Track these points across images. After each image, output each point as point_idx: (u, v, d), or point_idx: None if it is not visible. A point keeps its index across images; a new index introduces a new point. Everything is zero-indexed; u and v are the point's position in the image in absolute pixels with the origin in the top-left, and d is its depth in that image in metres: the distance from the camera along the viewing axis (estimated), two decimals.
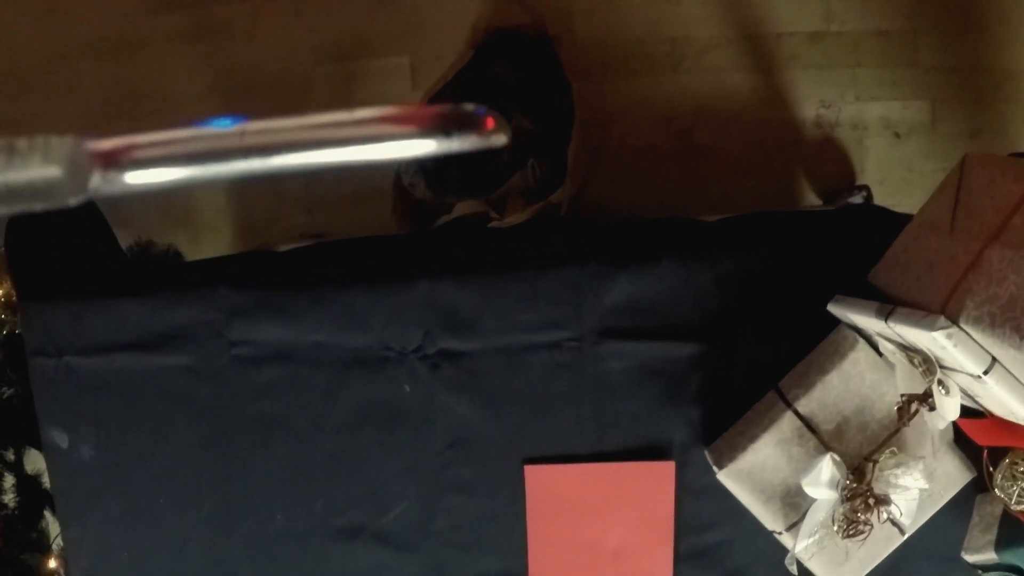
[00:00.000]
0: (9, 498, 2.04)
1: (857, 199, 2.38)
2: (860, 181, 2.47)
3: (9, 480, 2.07)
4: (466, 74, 2.15)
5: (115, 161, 0.51)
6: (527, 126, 2.12)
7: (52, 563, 2.01)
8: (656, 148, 2.50)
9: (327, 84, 2.54)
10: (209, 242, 2.58)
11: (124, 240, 1.99)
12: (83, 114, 2.60)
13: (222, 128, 0.52)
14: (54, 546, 2.06)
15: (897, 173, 2.48)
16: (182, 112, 2.56)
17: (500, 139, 0.54)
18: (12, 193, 0.50)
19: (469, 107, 0.54)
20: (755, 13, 2.45)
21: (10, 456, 2.08)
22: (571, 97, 2.15)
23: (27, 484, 2.10)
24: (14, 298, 1.87)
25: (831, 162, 2.48)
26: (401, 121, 0.53)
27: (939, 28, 2.44)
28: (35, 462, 2.11)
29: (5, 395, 1.92)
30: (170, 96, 2.60)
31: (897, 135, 2.47)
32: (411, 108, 0.54)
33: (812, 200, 2.49)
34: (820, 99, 2.46)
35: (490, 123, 0.54)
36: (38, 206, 0.51)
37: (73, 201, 0.51)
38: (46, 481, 2.10)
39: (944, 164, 2.45)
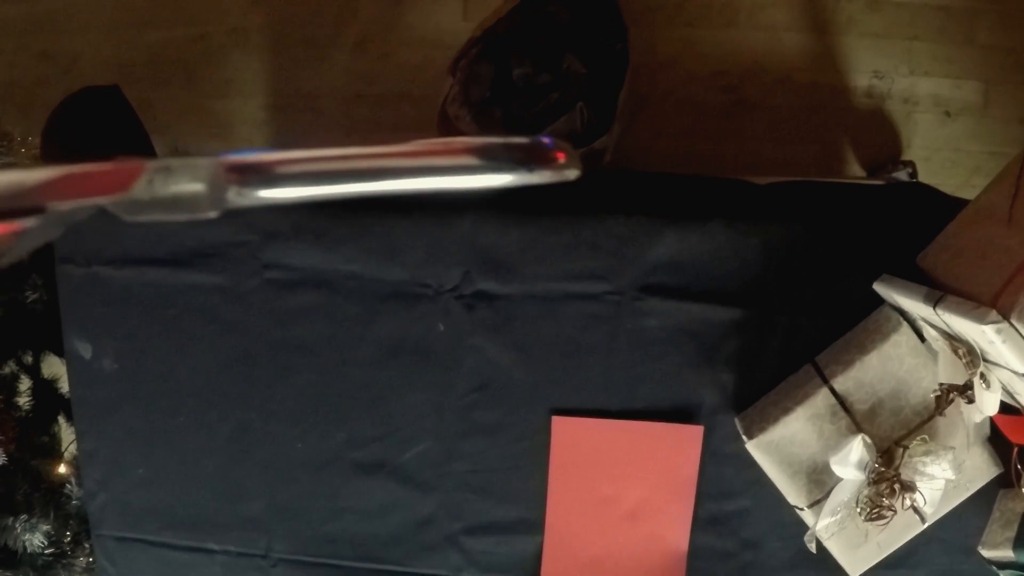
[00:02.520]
0: (24, 401, 2.03)
1: (901, 174, 2.35)
2: (906, 156, 2.43)
3: (25, 383, 2.06)
4: (520, 11, 2.10)
5: (247, 180, 0.59)
6: (579, 69, 2.08)
7: (62, 469, 2.00)
8: (702, 101, 2.46)
9: (375, 6, 2.49)
10: None
11: (159, 149, 1.96)
12: (124, 17, 2.56)
13: (338, 151, 0.60)
14: (66, 453, 2.06)
15: (944, 152, 2.44)
16: (224, 20, 2.52)
17: (573, 173, 0.62)
18: (160, 204, 0.58)
19: (544, 141, 0.61)
20: None
21: (28, 359, 2.07)
22: (626, 43, 2.11)
23: (43, 388, 2.09)
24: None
25: (878, 134, 2.44)
26: (488, 155, 0.59)
27: (999, 8, 2.38)
28: (52, 367, 2.10)
29: (29, 299, 1.90)
30: (213, 2, 2.55)
31: (947, 113, 2.43)
32: (496, 140, 0.60)
33: (855, 170, 2.46)
34: (874, 69, 2.41)
35: (560, 156, 0.61)
36: (181, 217, 0.59)
37: (212, 214, 0.58)
38: (62, 386, 2.09)
39: (992, 148, 2.41)
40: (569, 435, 1.63)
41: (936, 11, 2.39)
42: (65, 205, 0.57)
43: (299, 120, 2.58)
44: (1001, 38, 2.39)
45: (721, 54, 2.44)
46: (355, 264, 1.62)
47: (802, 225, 1.57)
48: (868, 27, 2.40)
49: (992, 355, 1.31)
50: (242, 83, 2.56)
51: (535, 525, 1.68)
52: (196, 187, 0.58)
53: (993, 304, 1.26)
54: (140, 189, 0.58)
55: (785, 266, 1.57)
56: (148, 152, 1.86)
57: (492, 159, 0.59)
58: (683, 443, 1.62)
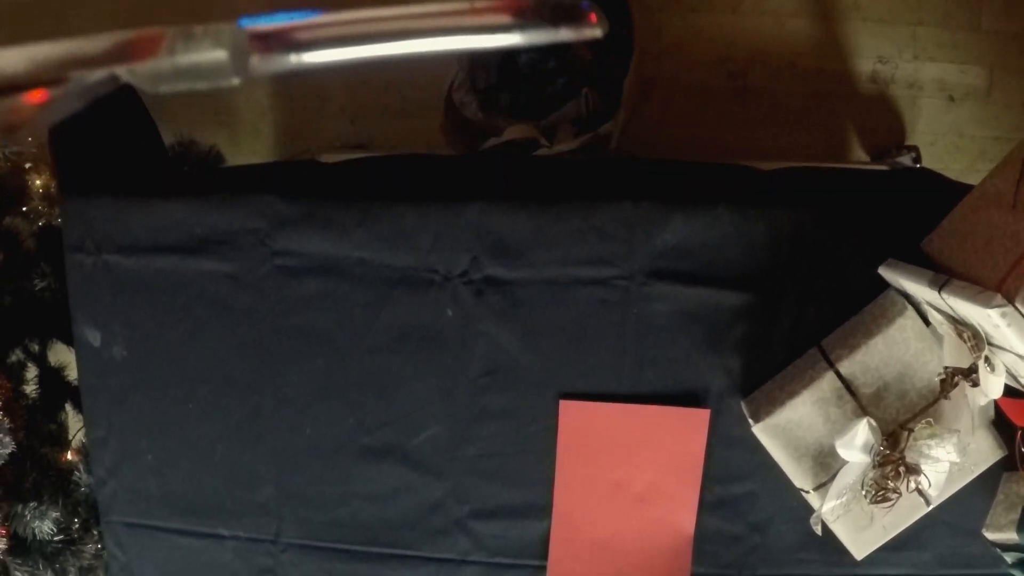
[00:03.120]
0: (31, 389, 2.04)
1: (905, 159, 2.35)
2: (910, 141, 2.44)
3: (32, 372, 2.06)
4: None
5: (271, 46, 0.58)
6: (585, 55, 2.09)
7: (69, 456, 2.01)
8: (707, 87, 2.46)
9: None
10: (249, 145, 2.56)
11: (166, 138, 1.97)
12: (129, 6, 2.55)
13: (362, 13, 0.59)
14: (73, 441, 2.06)
15: (948, 137, 2.45)
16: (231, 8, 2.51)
17: (599, 31, 0.60)
18: (181, 73, 0.57)
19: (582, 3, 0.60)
20: None
21: (34, 347, 2.08)
22: (631, 28, 2.11)
23: (49, 376, 2.09)
24: (52, 189, 1.85)
25: (882, 119, 2.45)
26: (518, 11, 0.58)
27: None
28: (58, 355, 2.10)
29: (37, 287, 1.90)
30: None
31: (952, 98, 2.43)
32: None
33: (859, 155, 2.46)
34: (878, 54, 2.42)
35: (592, 17, 0.60)
36: (203, 85, 0.58)
37: (236, 81, 0.58)
38: (69, 374, 2.10)
39: (996, 132, 2.42)
40: (577, 419, 1.64)
41: None
42: (87, 76, 0.58)
43: (305, 107, 2.58)
44: (1006, 23, 2.39)
45: (726, 40, 2.44)
46: (364, 250, 1.62)
47: (808, 210, 1.57)
48: (873, 12, 2.41)
49: (997, 339, 1.32)
50: None
51: (543, 509, 1.69)
52: (218, 54, 0.57)
53: (998, 288, 1.27)
54: (161, 57, 0.58)
55: (791, 251, 1.57)
56: (156, 141, 1.87)
57: (522, 16, 0.59)
58: (690, 427, 1.63)
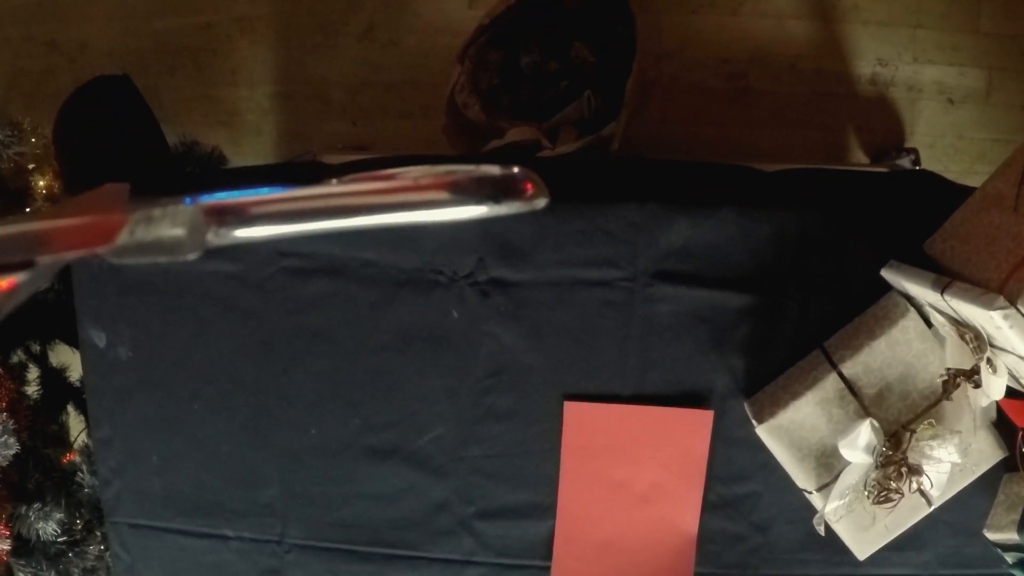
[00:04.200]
0: (33, 390, 2.04)
1: (905, 161, 2.36)
2: (909, 143, 2.44)
3: (34, 372, 2.06)
4: None
5: (226, 221, 0.62)
6: (587, 57, 2.09)
7: (71, 458, 2.01)
8: (708, 88, 2.47)
9: None
10: (251, 145, 2.56)
11: (168, 139, 1.97)
12: (131, 6, 2.56)
13: (311, 190, 0.62)
14: (76, 442, 2.06)
15: (947, 139, 2.45)
16: (231, 8, 2.52)
17: (541, 202, 0.64)
18: (143, 248, 0.60)
19: (514, 171, 0.63)
20: None
21: (36, 348, 2.07)
22: (633, 30, 2.11)
23: (51, 376, 2.09)
24: (56, 190, 1.85)
25: (882, 121, 2.46)
26: (459, 189, 0.62)
27: None
28: (60, 355, 2.11)
29: (41, 289, 1.90)
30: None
31: (951, 101, 2.44)
32: (461, 172, 0.62)
33: (858, 157, 2.47)
34: (878, 56, 2.43)
35: (529, 187, 0.63)
36: (163, 259, 0.61)
37: (192, 256, 0.61)
38: (71, 375, 2.10)
39: (995, 135, 2.43)
40: (581, 420, 1.65)
41: None
42: (53, 258, 0.60)
43: (306, 108, 2.58)
44: (1005, 26, 2.40)
45: (727, 41, 2.45)
46: (370, 251, 1.63)
47: (810, 212, 1.58)
48: (872, 15, 2.41)
49: (999, 340, 1.33)
50: (249, 71, 2.57)
51: (548, 509, 1.70)
52: (177, 232, 0.60)
53: (1001, 290, 1.28)
54: (123, 238, 0.60)
55: (794, 253, 1.58)
56: (159, 141, 1.87)
57: (462, 193, 0.61)
58: (693, 428, 1.64)
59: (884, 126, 2.46)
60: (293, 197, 0.62)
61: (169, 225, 0.60)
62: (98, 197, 0.64)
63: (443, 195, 0.62)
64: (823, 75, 2.44)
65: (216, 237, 0.62)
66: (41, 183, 1.86)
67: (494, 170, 0.63)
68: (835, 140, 2.47)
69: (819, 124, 2.47)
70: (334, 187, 0.62)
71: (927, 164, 2.41)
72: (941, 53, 2.42)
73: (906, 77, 2.43)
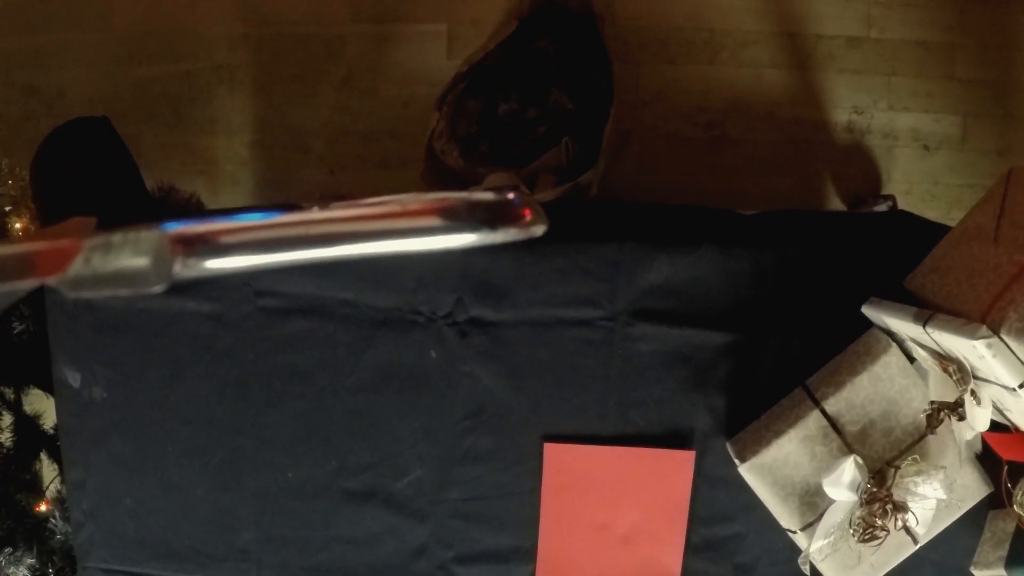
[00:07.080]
0: (6, 437, 2.01)
1: (882, 208, 2.38)
2: (886, 190, 2.46)
3: (7, 419, 2.04)
4: (507, 46, 2.13)
5: (194, 251, 0.56)
6: (566, 104, 2.10)
7: (43, 507, 1.98)
8: (685, 137, 2.49)
9: (361, 44, 2.51)
10: (228, 194, 2.56)
11: (147, 183, 1.96)
12: (110, 52, 2.57)
13: (289, 217, 0.57)
14: (48, 491, 2.03)
15: (923, 185, 2.48)
16: (211, 57, 2.54)
17: (540, 229, 0.58)
18: (101, 280, 0.55)
19: (510, 197, 0.58)
20: (797, 12, 2.44)
21: (10, 395, 2.05)
22: (611, 78, 2.13)
23: (25, 424, 2.07)
24: (33, 231, 1.84)
25: (859, 168, 2.48)
26: (451, 215, 0.56)
27: (977, 43, 2.43)
28: (34, 403, 2.08)
29: (16, 330, 1.88)
30: (200, 39, 2.56)
31: (926, 147, 2.46)
32: (455, 198, 0.57)
33: (836, 204, 2.49)
34: (853, 104, 2.45)
35: (527, 214, 0.58)
36: (125, 292, 0.56)
37: (158, 288, 0.55)
38: (44, 422, 2.07)
39: (971, 180, 2.45)
40: (561, 461, 1.63)
41: (915, 47, 2.44)
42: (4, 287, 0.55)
43: (284, 157, 2.58)
44: (979, 72, 2.44)
45: (704, 90, 2.47)
46: (348, 291, 1.62)
47: (791, 251, 1.59)
48: (848, 64, 2.44)
49: (982, 371, 1.33)
50: (227, 120, 2.57)
51: (528, 553, 1.67)
52: (140, 261, 0.55)
53: (983, 320, 1.28)
54: (78, 267, 0.55)
55: (774, 291, 1.58)
56: (137, 185, 1.86)
57: (455, 219, 0.56)
58: (675, 468, 1.62)
59: (861, 173, 2.48)
60: (269, 224, 0.57)
61: (131, 254, 0.55)
62: (61, 229, 0.59)
63: (435, 221, 0.56)
64: (800, 123, 2.47)
65: (184, 268, 0.56)
66: (18, 225, 1.85)
67: (489, 196, 0.58)
68: (812, 188, 2.48)
69: (796, 172, 2.49)
70: (315, 213, 0.57)
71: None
72: (916, 100, 2.45)
73: (882, 124, 2.46)
